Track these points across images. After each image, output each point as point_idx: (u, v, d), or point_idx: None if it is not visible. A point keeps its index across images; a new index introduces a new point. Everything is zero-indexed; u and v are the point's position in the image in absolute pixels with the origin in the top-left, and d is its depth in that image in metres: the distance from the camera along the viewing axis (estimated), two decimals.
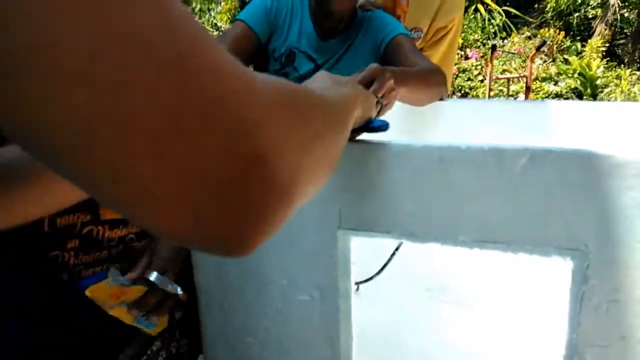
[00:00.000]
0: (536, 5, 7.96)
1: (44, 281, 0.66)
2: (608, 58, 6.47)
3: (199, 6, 8.57)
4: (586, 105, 1.07)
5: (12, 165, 0.44)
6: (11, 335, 0.61)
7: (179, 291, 0.73)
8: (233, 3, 8.75)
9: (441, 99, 1.03)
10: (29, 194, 0.44)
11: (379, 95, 0.74)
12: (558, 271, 0.62)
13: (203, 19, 8.44)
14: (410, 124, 1.02)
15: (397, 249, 0.90)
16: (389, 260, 0.91)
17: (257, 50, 1.15)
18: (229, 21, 8.29)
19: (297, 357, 0.70)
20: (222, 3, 9.05)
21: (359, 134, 0.60)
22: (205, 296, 0.74)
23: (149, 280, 0.71)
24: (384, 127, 0.58)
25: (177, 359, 0.79)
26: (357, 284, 0.96)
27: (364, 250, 0.78)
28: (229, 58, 0.21)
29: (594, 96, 5.71)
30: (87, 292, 0.65)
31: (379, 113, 0.75)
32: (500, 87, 5.69)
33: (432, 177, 0.58)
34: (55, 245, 0.66)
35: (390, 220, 0.61)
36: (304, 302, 0.68)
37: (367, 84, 0.74)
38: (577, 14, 7.34)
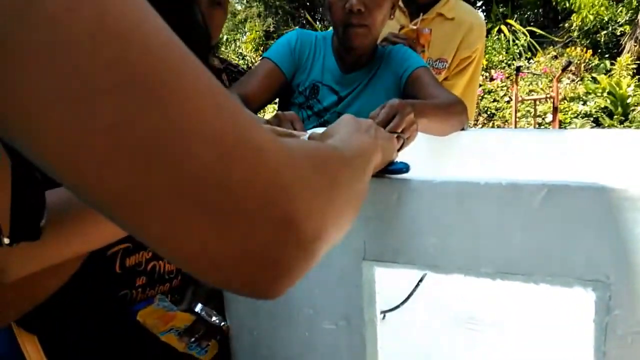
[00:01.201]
0: (561, 25, 7.91)
1: (116, 320, 0.70)
2: (639, 76, 6.33)
3: (225, 37, 8.90)
4: (612, 132, 1.07)
5: (65, 203, 0.49)
6: None
7: (222, 322, 0.76)
8: (258, 33, 9.05)
9: (462, 129, 1.06)
10: (81, 230, 0.49)
11: (400, 130, 0.77)
12: (582, 303, 0.63)
13: (229, 48, 8.74)
14: (432, 156, 1.05)
15: (422, 278, 0.91)
16: (415, 288, 0.93)
17: (283, 85, 1.21)
18: (253, 50, 8.55)
19: None
20: (248, 33, 9.36)
21: (380, 176, 0.63)
22: (235, 323, 0.77)
23: (194, 311, 0.74)
24: (404, 169, 0.62)
25: None
26: (384, 312, 0.97)
27: (390, 279, 0.80)
28: (267, 133, 0.25)
29: (625, 115, 5.57)
30: (139, 317, 0.69)
31: (401, 147, 0.78)
32: (528, 108, 5.63)
33: (452, 211, 0.60)
34: (125, 285, 0.71)
35: (413, 252, 0.63)
36: (330, 330, 0.70)
37: (389, 119, 0.77)
38: (604, 32, 7.24)
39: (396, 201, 0.63)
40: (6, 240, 0.37)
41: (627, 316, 0.55)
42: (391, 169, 0.61)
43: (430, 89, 1.08)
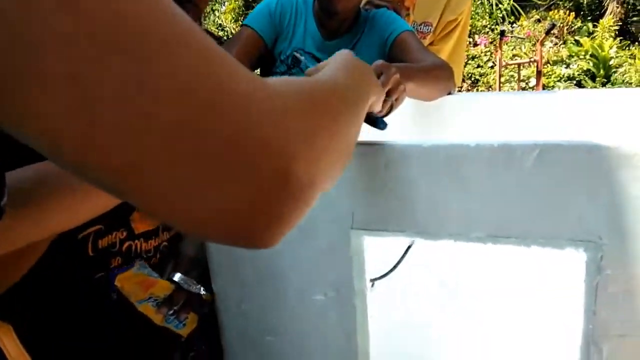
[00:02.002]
0: None
1: (92, 303, 0.68)
2: (621, 37, 6.33)
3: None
4: (597, 92, 1.06)
5: (39, 181, 0.46)
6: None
7: (203, 291, 0.75)
8: (237, 2, 8.77)
9: (449, 93, 1.03)
10: (57, 207, 0.47)
11: (386, 89, 0.75)
12: (572, 265, 0.63)
13: (208, 20, 8.48)
14: (419, 120, 1.03)
15: (410, 245, 0.91)
16: (403, 256, 0.92)
17: (263, 53, 1.16)
18: (232, 20, 8.30)
19: (317, 354, 0.72)
20: (227, 3, 9.06)
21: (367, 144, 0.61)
22: (223, 299, 0.76)
23: (173, 280, 0.73)
24: (383, 125, 0.60)
25: None
26: (372, 280, 0.97)
27: (378, 246, 0.79)
28: (258, 80, 0.24)
29: (607, 77, 5.59)
30: (117, 282, 0.67)
31: (391, 110, 0.76)
32: (511, 73, 5.61)
33: (442, 176, 0.59)
34: (100, 267, 0.68)
35: (402, 220, 0.62)
36: (320, 301, 0.69)
37: None
38: None
39: (384, 168, 0.61)
40: None
41: (617, 275, 0.55)
42: (374, 117, 0.59)
43: (416, 53, 1.04)
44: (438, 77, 0.99)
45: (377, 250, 0.75)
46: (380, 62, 0.77)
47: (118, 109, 0.20)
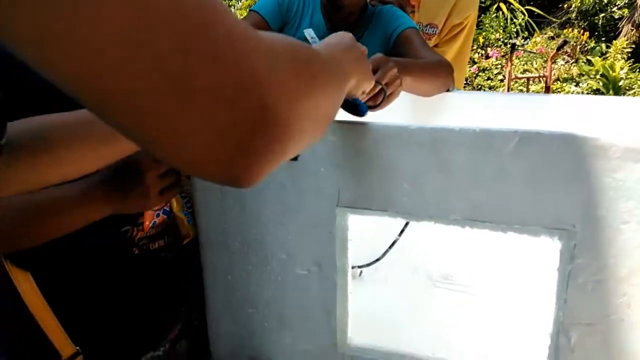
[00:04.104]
0: (560, 5, 7.81)
1: (116, 255, 0.71)
2: (633, 59, 6.32)
3: None
4: (601, 99, 1.07)
5: (38, 133, 0.49)
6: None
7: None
8: None
9: (448, 90, 1.05)
10: (56, 159, 0.49)
11: (382, 83, 0.77)
12: (547, 255, 0.64)
13: None
14: (413, 113, 1.05)
15: (400, 234, 0.92)
16: (391, 246, 0.94)
17: None
18: None
19: (296, 328, 0.74)
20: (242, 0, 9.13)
21: (354, 123, 0.63)
22: (210, 271, 0.78)
23: None
24: (363, 111, 0.62)
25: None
26: (360, 267, 0.99)
27: (367, 238, 0.81)
28: (240, 21, 0.26)
29: None
30: None
31: (382, 101, 0.78)
32: (520, 87, 5.61)
33: (426, 158, 0.61)
34: (128, 221, 0.71)
35: (386, 199, 0.64)
36: (302, 276, 0.71)
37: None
38: (602, 15, 7.18)
39: (371, 148, 0.63)
40: None
41: (589, 264, 0.57)
42: (352, 102, 0.61)
43: (418, 50, 1.06)
44: (437, 73, 1.00)
45: (366, 240, 0.77)
46: (379, 55, 0.79)
47: (114, 35, 0.21)
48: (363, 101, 0.68)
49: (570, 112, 0.99)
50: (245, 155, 0.27)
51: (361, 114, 0.63)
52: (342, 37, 0.51)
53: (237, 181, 0.28)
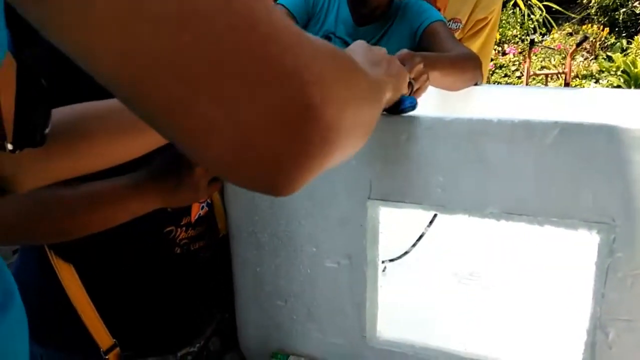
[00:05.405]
0: (578, 1, 7.68)
1: (158, 254, 0.72)
2: None
3: None
4: (633, 93, 1.05)
5: (73, 123, 0.49)
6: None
7: None
8: None
9: (476, 84, 1.04)
10: (90, 148, 0.50)
11: (410, 78, 0.76)
12: (582, 250, 0.63)
13: None
14: (444, 106, 1.04)
15: (427, 228, 0.92)
16: (417, 241, 0.94)
17: None
18: None
19: (324, 321, 0.74)
20: None
21: (390, 114, 0.62)
22: (239, 264, 0.78)
23: None
24: (411, 107, 0.61)
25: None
26: (384, 262, 0.98)
27: (394, 232, 0.81)
28: (289, 23, 0.25)
29: None
30: None
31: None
32: (538, 84, 5.54)
33: (462, 150, 0.60)
34: (172, 221, 0.71)
35: (419, 192, 0.63)
36: (332, 269, 0.71)
37: None
38: (623, 10, 7.03)
39: (405, 140, 0.63)
40: (9, 146, 0.36)
41: (629, 258, 0.56)
42: (400, 109, 0.61)
43: (445, 43, 1.05)
44: (464, 67, 0.99)
45: (393, 235, 0.76)
46: (404, 51, 0.78)
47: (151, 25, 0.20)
48: None
49: (603, 105, 0.97)
50: (288, 159, 0.26)
51: (410, 109, 0.62)
52: (360, 47, 0.50)
53: (275, 188, 0.27)
